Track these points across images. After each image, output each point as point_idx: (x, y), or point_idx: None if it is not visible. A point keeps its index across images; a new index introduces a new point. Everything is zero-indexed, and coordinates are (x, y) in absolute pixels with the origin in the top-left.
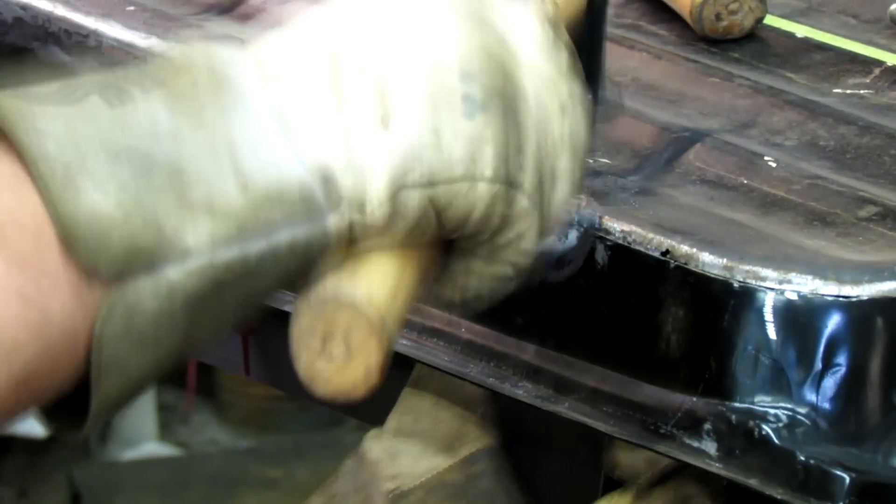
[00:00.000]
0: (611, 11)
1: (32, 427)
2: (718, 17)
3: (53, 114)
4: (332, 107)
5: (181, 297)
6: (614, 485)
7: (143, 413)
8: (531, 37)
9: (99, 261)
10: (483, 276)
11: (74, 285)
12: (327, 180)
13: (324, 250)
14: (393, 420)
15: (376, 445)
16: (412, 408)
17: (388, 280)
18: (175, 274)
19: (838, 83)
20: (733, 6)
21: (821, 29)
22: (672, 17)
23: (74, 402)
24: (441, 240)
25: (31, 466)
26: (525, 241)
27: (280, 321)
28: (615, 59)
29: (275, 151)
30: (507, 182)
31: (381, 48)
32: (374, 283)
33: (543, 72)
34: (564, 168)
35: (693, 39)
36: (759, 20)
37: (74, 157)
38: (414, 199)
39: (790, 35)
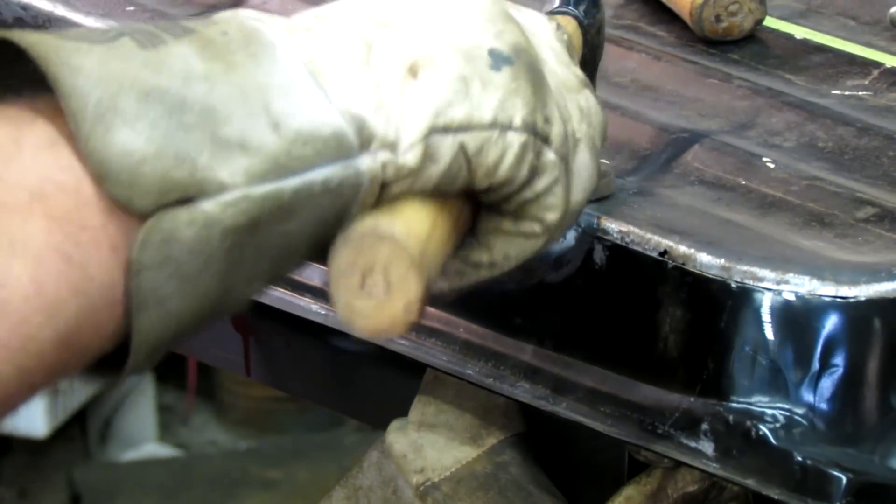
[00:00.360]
0: (610, 13)
1: (32, 427)
2: (718, 18)
3: (87, 50)
4: (361, 57)
5: (218, 230)
6: (640, 466)
7: (143, 414)
8: (548, 37)
9: (132, 195)
10: (511, 233)
11: (114, 241)
12: (359, 122)
13: (357, 192)
14: (415, 412)
15: (401, 438)
16: (434, 399)
17: (425, 221)
18: (210, 206)
19: (837, 85)
20: (733, 8)
21: (820, 31)
22: (671, 18)
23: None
24: (471, 197)
25: (30, 466)
26: (553, 196)
27: (281, 322)
28: (614, 60)
29: (306, 94)
30: (536, 133)
31: (408, 7)
32: (412, 221)
33: (559, 62)
34: (585, 132)
35: (692, 41)
36: (759, 22)
37: (105, 94)
38: (445, 144)
39: (789, 37)
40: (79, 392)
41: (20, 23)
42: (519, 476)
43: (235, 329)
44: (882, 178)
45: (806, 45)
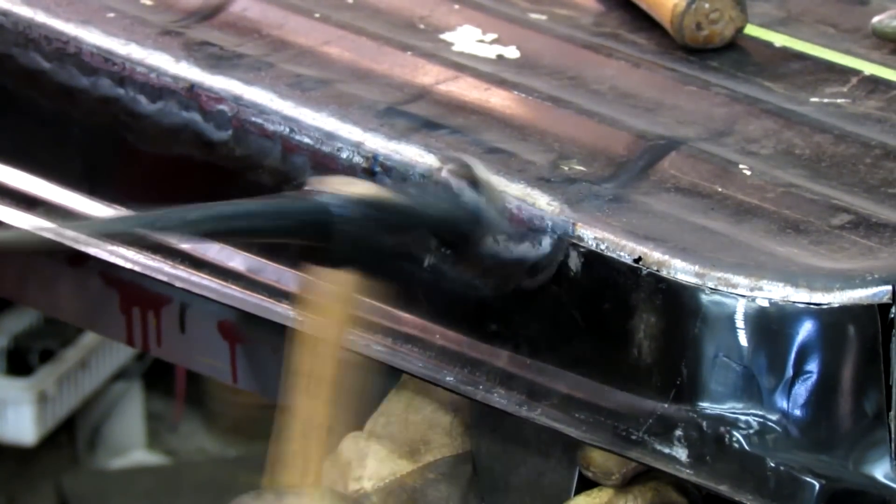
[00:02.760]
0: (590, 20)
1: (21, 434)
2: (699, 26)
3: None
4: None
5: None
6: (589, 484)
7: (131, 421)
8: None
9: None
10: None
11: None
12: None
13: None
14: (370, 422)
15: (351, 446)
16: (387, 411)
17: None
18: None
19: (815, 92)
20: (714, 16)
21: (800, 38)
22: (652, 25)
23: None
24: None
25: (18, 474)
26: None
27: (266, 330)
28: (593, 67)
29: None
30: None
31: None
32: None
33: None
34: None
35: (672, 48)
36: (740, 30)
37: None
38: None
39: (769, 44)
40: (67, 399)
41: (0, 29)
42: (448, 494)
43: (222, 336)
44: (859, 184)
45: (785, 52)
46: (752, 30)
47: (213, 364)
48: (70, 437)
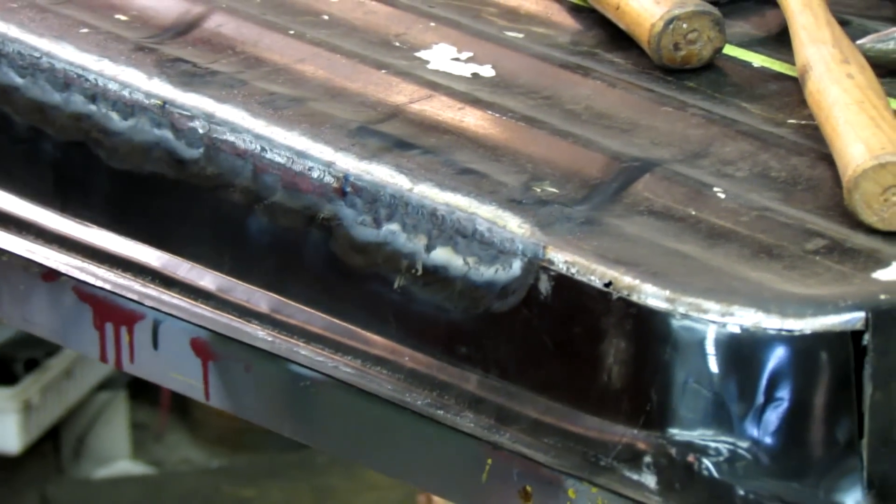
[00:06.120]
0: (567, 39)
1: (5, 443)
2: (677, 46)
3: None
4: None
5: None
6: None
7: (116, 431)
8: None
9: None
10: None
11: None
12: None
13: None
14: None
15: None
16: None
17: None
18: None
19: (793, 114)
20: (692, 36)
21: (778, 58)
22: (630, 44)
23: None
24: None
25: (3, 483)
26: None
27: (239, 348)
28: (569, 86)
29: None
30: None
31: None
32: None
33: None
34: None
35: (649, 68)
36: (718, 50)
37: None
38: None
39: (747, 64)
40: (52, 408)
41: None
42: None
43: (195, 353)
44: (834, 208)
45: (764, 73)
46: (730, 50)
47: (186, 381)
48: (55, 446)
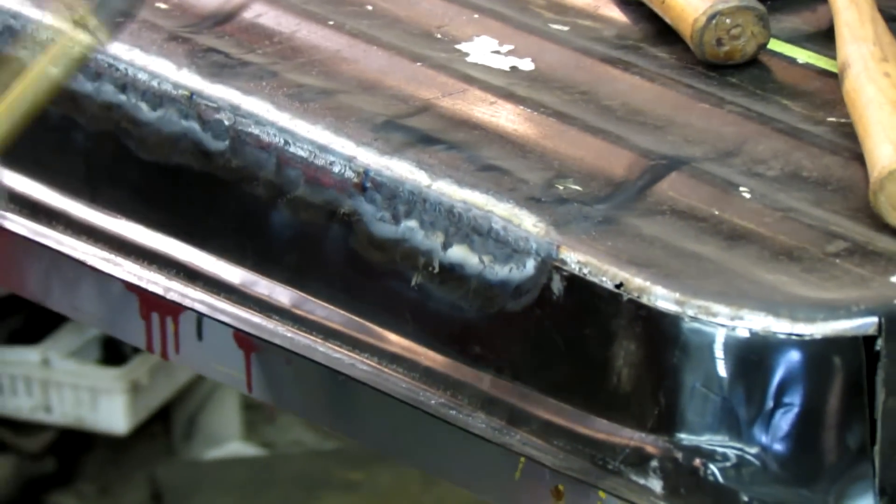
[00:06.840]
0: (613, 32)
1: (113, 424)
2: (720, 41)
3: None
4: None
5: None
6: None
7: (227, 412)
8: None
9: None
10: None
11: None
12: None
13: None
14: None
15: None
16: None
17: None
18: None
19: (834, 112)
20: (735, 31)
21: (825, 55)
22: (676, 39)
23: None
24: None
25: (112, 463)
26: None
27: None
28: (607, 81)
29: None
30: None
31: None
32: None
33: None
34: None
35: (693, 63)
36: (762, 46)
37: None
38: None
39: (792, 60)
40: (161, 389)
41: (10, 31)
42: None
43: (238, 345)
44: (863, 210)
45: (808, 69)
46: (776, 45)
47: (229, 373)
48: (165, 427)
